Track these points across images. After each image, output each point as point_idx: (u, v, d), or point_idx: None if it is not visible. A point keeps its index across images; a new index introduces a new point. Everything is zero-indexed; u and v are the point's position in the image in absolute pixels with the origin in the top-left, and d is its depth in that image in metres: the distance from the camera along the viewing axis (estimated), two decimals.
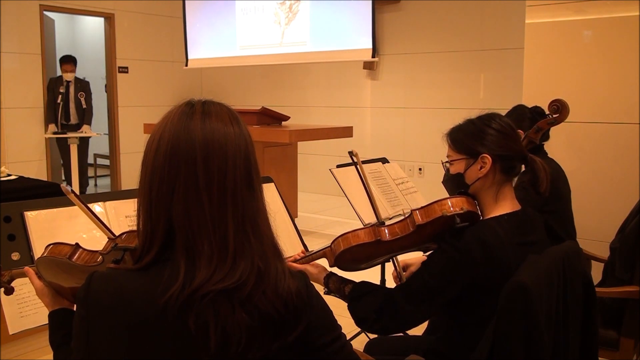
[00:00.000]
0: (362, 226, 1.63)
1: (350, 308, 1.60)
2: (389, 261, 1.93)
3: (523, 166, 1.62)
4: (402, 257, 1.98)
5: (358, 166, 1.94)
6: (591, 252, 2.58)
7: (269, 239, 0.98)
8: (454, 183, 1.61)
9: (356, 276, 1.72)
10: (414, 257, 1.71)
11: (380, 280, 2.87)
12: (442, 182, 1.69)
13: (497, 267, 1.44)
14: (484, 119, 1.59)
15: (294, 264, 1.69)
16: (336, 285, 1.64)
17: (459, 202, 1.52)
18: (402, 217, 1.59)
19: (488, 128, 1.56)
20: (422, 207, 1.55)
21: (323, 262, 1.69)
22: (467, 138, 1.58)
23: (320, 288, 1.65)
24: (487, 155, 1.53)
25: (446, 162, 1.65)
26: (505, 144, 1.55)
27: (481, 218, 1.56)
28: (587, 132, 3.26)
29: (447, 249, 1.49)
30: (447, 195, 1.64)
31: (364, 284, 1.63)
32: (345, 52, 6.19)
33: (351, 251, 1.59)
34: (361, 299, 1.58)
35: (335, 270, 1.68)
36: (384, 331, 1.61)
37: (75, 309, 0.95)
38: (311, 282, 1.04)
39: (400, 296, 1.53)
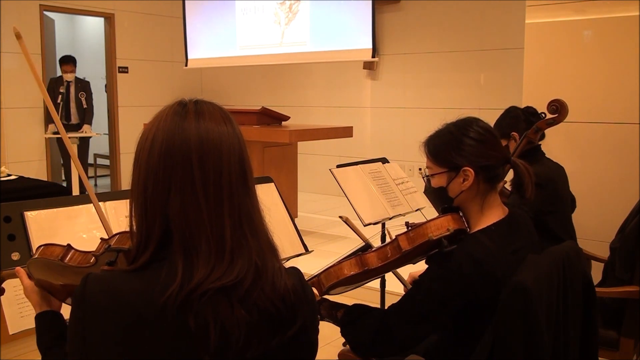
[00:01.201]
0: (361, 228, 1.62)
1: (343, 334, 1.57)
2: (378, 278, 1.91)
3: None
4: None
5: (353, 229, 1.98)
6: (591, 252, 2.57)
7: (265, 236, 0.99)
8: (437, 196, 1.57)
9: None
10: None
11: (380, 281, 2.87)
12: (424, 192, 1.66)
13: (492, 282, 1.42)
14: (461, 127, 1.53)
15: None
16: (328, 311, 1.62)
17: (445, 223, 1.49)
18: (388, 242, 1.56)
19: (466, 138, 1.50)
20: (406, 232, 1.51)
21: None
22: (446, 151, 1.52)
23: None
24: (469, 168, 1.49)
25: (426, 176, 1.60)
26: (486, 153, 1.50)
27: (468, 230, 1.53)
28: (587, 132, 3.26)
29: (439, 271, 1.46)
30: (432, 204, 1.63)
31: (356, 307, 1.60)
32: (345, 52, 6.19)
33: (340, 283, 1.58)
34: (355, 323, 1.55)
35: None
36: (380, 356, 1.56)
37: (64, 310, 0.95)
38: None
39: (394, 320, 1.49)
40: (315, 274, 1.62)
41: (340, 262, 1.58)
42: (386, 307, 1.58)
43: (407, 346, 1.54)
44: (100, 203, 1.74)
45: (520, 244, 1.50)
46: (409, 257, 1.56)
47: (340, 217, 2.03)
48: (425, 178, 1.62)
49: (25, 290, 1.23)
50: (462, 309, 1.46)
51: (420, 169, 6.27)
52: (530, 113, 2.53)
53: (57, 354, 1.13)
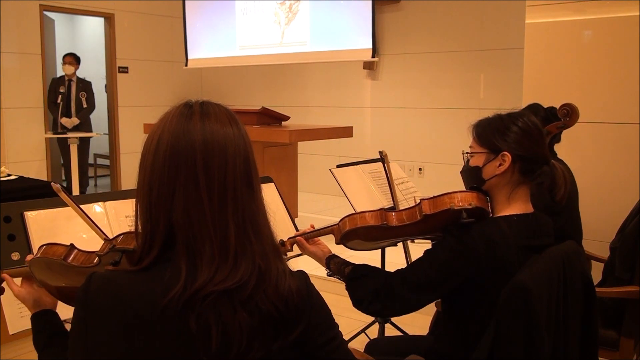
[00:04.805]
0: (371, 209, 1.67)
1: (348, 288, 1.62)
2: (395, 245, 1.96)
3: None
4: None
5: (386, 166, 2.15)
6: (591, 252, 2.58)
7: (269, 238, 0.98)
8: (470, 175, 1.61)
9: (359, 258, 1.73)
10: None
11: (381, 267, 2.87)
12: (460, 172, 1.69)
13: (499, 266, 1.44)
14: (512, 116, 1.58)
15: (302, 240, 1.73)
16: (337, 267, 1.67)
17: (469, 197, 1.52)
18: (412, 205, 1.60)
19: (514, 126, 1.55)
20: (431, 198, 1.55)
21: (328, 240, 1.73)
22: (491, 133, 1.57)
23: (323, 271, 1.70)
24: (508, 154, 1.52)
25: (467, 152, 1.64)
26: (528, 145, 1.53)
27: (491, 214, 1.56)
28: (587, 132, 3.26)
29: (452, 241, 1.49)
30: (464, 186, 1.65)
31: (364, 266, 1.65)
32: (345, 52, 6.18)
33: (357, 232, 1.62)
34: (360, 279, 1.61)
35: (341, 250, 1.71)
36: (378, 313, 1.65)
37: (68, 310, 0.95)
38: (311, 280, 1.04)
39: (398, 282, 1.54)
40: (336, 223, 1.68)
41: (362, 211, 1.63)
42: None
43: (403, 311, 1.59)
44: (100, 203, 1.74)
45: (537, 244, 1.51)
46: (428, 226, 1.58)
47: (380, 152, 2.31)
48: (465, 155, 1.66)
49: (17, 296, 1.23)
50: (464, 288, 1.48)
51: (420, 169, 6.28)
52: (552, 114, 2.50)
53: (53, 352, 1.13)
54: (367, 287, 1.58)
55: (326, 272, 1.70)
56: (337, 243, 1.69)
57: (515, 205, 1.54)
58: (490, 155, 1.55)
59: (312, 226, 1.79)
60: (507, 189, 1.55)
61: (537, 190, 1.63)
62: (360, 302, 1.60)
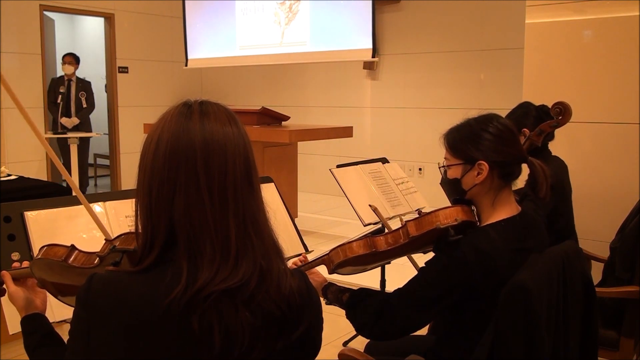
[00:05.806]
0: (361, 228, 1.65)
1: (348, 315, 1.59)
2: (389, 263, 1.94)
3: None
4: None
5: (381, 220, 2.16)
6: (591, 252, 2.57)
7: (270, 238, 0.98)
8: (451, 188, 1.59)
9: (355, 278, 1.71)
10: None
11: (380, 281, 2.87)
12: (440, 183, 1.68)
13: (492, 274, 1.43)
14: (481, 121, 1.55)
15: None
16: (335, 295, 1.64)
17: (453, 213, 1.50)
18: (398, 227, 1.59)
19: (485, 133, 1.52)
20: (416, 219, 1.53)
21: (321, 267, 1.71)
22: (463, 143, 1.54)
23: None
24: (484, 162, 1.50)
25: (442, 166, 1.62)
26: (503, 149, 1.51)
27: (478, 224, 1.55)
28: (587, 132, 3.26)
29: (442, 259, 1.48)
30: (446, 196, 1.64)
31: (362, 291, 1.63)
32: (345, 52, 6.18)
33: (348, 262, 1.60)
34: (359, 305, 1.58)
35: (335, 275, 1.69)
36: (383, 336, 1.61)
37: (68, 310, 0.95)
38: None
39: (397, 302, 1.52)
40: (327, 252, 1.64)
41: (350, 241, 1.60)
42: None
43: (407, 330, 1.56)
44: (100, 203, 1.74)
45: (529, 245, 1.51)
46: (417, 244, 1.57)
47: (370, 205, 2.22)
48: (441, 169, 1.63)
49: (10, 296, 1.23)
50: (462, 298, 1.47)
51: (420, 169, 6.28)
52: (543, 112, 2.50)
53: (45, 352, 1.13)
54: (368, 312, 1.55)
55: (325, 301, 1.65)
56: (330, 273, 1.66)
57: (501, 210, 1.53)
58: (466, 166, 1.53)
59: (303, 257, 1.75)
60: (490, 195, 1.53)
61: (529, 208, 1.63)
62: (362, 328, 1.57)
